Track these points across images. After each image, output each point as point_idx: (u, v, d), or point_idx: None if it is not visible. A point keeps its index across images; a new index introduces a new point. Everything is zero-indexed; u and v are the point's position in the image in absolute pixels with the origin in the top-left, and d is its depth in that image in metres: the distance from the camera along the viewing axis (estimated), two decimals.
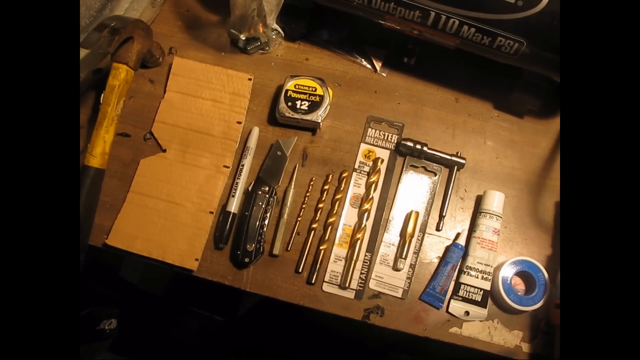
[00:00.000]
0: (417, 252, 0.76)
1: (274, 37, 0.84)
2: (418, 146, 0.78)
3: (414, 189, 0.79)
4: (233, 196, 0.76)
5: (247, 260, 0.73)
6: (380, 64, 0.85)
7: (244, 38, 0.83)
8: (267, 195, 0.75)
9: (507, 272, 0.73)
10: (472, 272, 0.73)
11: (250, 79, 0.83)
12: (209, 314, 1.21)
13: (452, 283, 0.74)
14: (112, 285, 1.20)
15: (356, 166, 0.79)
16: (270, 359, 1.24)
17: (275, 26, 0.82)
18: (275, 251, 0.74)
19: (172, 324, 1.27)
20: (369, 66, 0.85)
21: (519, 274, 0.74)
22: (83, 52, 0.77)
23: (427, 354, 1.20)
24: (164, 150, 0.80)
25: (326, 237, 0.75)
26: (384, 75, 0.85)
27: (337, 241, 0.76)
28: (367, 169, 0.79)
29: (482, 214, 0.75)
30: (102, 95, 0.74)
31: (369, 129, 0.81)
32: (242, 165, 0.78)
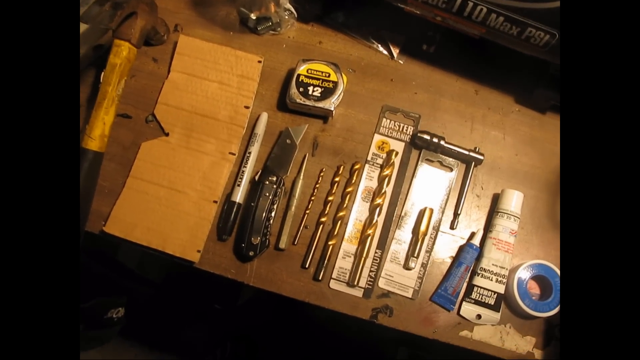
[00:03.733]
0: (429, 251, 0.72)
1: (286, 17, 0.79)
2: (435, 140, 0.74)
3: (429, 185, 0.75)
4: (238, 185, 0.73)
5: (251, 253, 0.70)
6: (397, 51, 0.81)
7: (254, 17, 0.78)
8: (275, 186, 0.72)
9: (523, 275, 0.70)
10: (487, 274, 0.70)
11: (260, 62, 0.78)
12: (208, 302, 1.19)
13: (465, 285, 0.71)
14: (110, 268, 1.17)
15: (369, 158, 0.75)
16: (267, 347, 1.22)
17: (288, 6, 0.78)
18: (282, 245, 0.71)
19: (171, 309, 1.24)
20: (385, 52, 0.81)
21: (534, 278, 0.71)
22: (83, 27, 0.73)
23: (426, 348, 1.18)
24: (167, 134, 0.76)
25: (335, 232, 0.72)
26: (401, 62, 0.80)
27: (346, 237, 0.73)
28: (380, 161, 0.75)
29: (499, 213, 0.72)
30: (102, 73, 0.70)
31: (384, 119, 0.77)
32: (249, 153, 0.74)
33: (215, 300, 1.19)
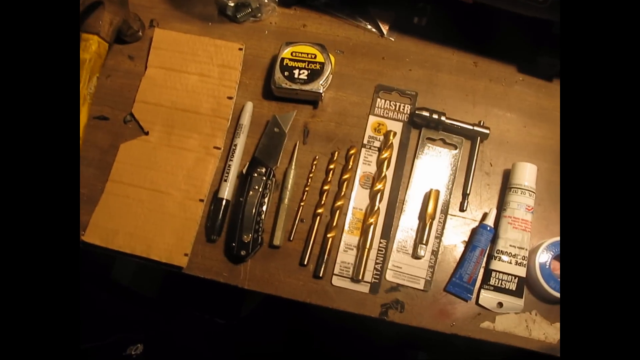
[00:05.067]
0: (439, 237, 0.66)
1: (266, 1, 0.74)
2: (435, 116, 0.68)
3: (433, 165, 0.69)
4: (225, 181, 0.67)
5: (243, 253, 0.63)
6: (387, 28, 0.75)
7: (232, 4, 0.74)
8: (264, 178, 0.66)
9: (545, 255, 0.63)
10: (504, 257, 0.63)
11: (240, 49, 0.73)
12: (209, 316, 1.13)
13: (482, 270, 0.65)
14: (104, 289, 1.12)
15: (365, 141, 0.70)
16: None
17: None
18: (276, 241, 0.65)
19: (173, 329, 1.18)
20: (374, 30, 0.76)
21: (558, 257, 0.64)
22: None
23: (449, 351, 1.10)
24: (147, 133, 0.71)
25: (334, 224, 0.65)
26: (392, 39, 0.75)
27: (346, 228, 0.66)
28: (377, 144, 0.69)
29: (512, 189, 0.65)
30: None
31: (378, 100, 0.71)
32: (235, 146, 0.68)
33: (216, 313, 1.12)
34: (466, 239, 0.66)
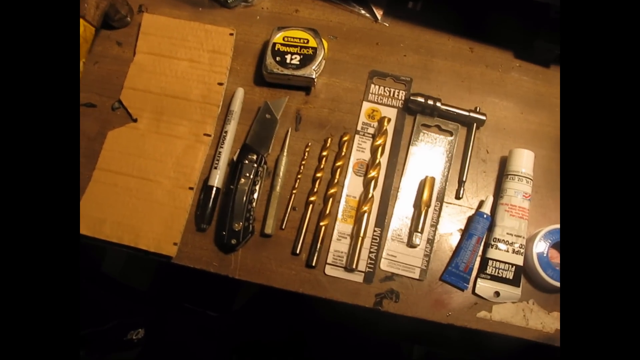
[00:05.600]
0: (435, 225, 0.64)
1: None
2: (430, 102, 0.67)
3: (428, 152, 0.67)
4: (216, 168, 0.65)
5: (234, 241, 0.62)
6: (381, 13, 0.74)
7: None
8: (255, 165, 0.64)
9: (543, 243, 0.62)
10: (501, 245, 0.62)
11: (231, 34, 0.72)
12: (201, 309, 1.11)
13: (478, 259, 0.63)
14: (94, 282, 1.10)
15: (359, 128, 0.68)
16: (273, 354, 1.13)
17: None
18: (268, 230, 0.63)
19: (165, 321, 1.16)
20: (368, 15, 0.74)
21: (556, 245, 0.62)
22: None
23: (444, 343, 1.09)
24: (135, 120, 0.69)
25: (327, 212, 0.64)
26: (387, 24, 0.74)
27: (340, 216, 0.65)
28: (371, 130, 0.68)
29: (509, 176, 0.64)
30: None
31: (372, 86, 0.70)
32: (226, 132, 0.67)
33: (208, 306, 1.11)
34: (462, 227, 0.65)
